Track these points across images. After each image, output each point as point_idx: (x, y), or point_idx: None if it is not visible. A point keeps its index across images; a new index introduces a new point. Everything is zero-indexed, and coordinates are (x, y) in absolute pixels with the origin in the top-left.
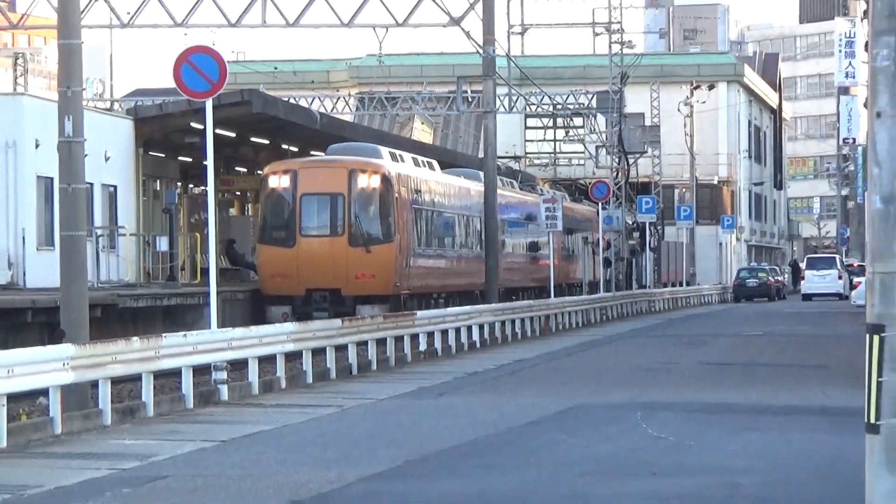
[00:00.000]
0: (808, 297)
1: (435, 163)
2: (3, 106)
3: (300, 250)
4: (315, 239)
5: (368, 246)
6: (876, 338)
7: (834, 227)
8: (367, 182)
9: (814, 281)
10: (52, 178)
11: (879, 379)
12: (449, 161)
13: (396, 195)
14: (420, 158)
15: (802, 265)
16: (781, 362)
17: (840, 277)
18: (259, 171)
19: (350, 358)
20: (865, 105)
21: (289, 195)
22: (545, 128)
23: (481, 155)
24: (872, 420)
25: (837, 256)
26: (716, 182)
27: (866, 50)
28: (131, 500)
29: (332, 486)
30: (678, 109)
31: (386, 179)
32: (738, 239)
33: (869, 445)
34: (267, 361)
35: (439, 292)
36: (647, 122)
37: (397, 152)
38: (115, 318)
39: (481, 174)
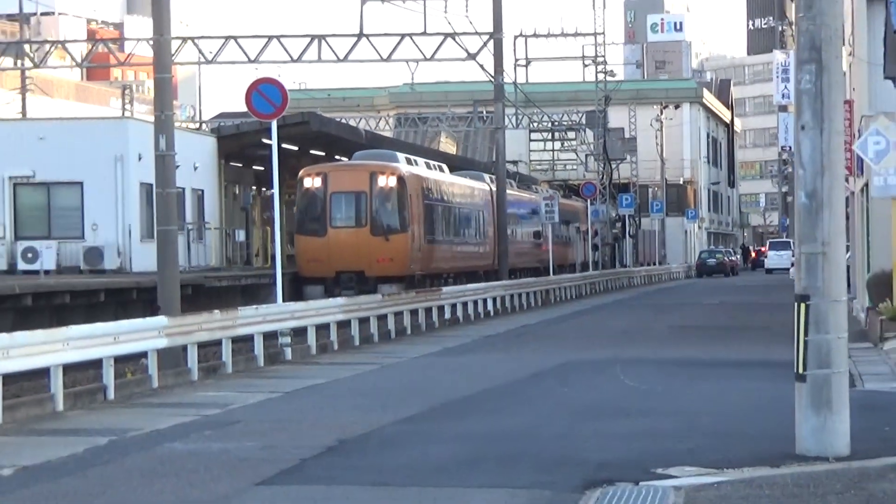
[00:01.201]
0: (769, 270)
1: (445, 166)
2: (113, 128)
3: (330, 239)
4: (342, 230)
5: (387, 235)
6: (802, 305)
7: (776, 217)
8: (386, 182)
9: (774, 259)
10: (151, 185)
11: (805, 338)
12: (467, 166)
13: (410, 192)
14: (432, 162)
15: (764, 248)
16: (733, 325)
17: (793, 255)
18: None
19: (389, 325)
20: None
21: (320, 193)
22: (545, 140)
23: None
24: (800, 371)
25: (791, 241)
26: (681, 182)
27: None
28: (212, 440)
29: (371, 427)
30: (650, 125)
31: (401, 179)
32: (699, 227)
33: (798, 391)
34: (322, 329)
35: (447, 273)
36: (626, 135)
37: (412, 157)
38: (202, 295)
39: (484, 175)
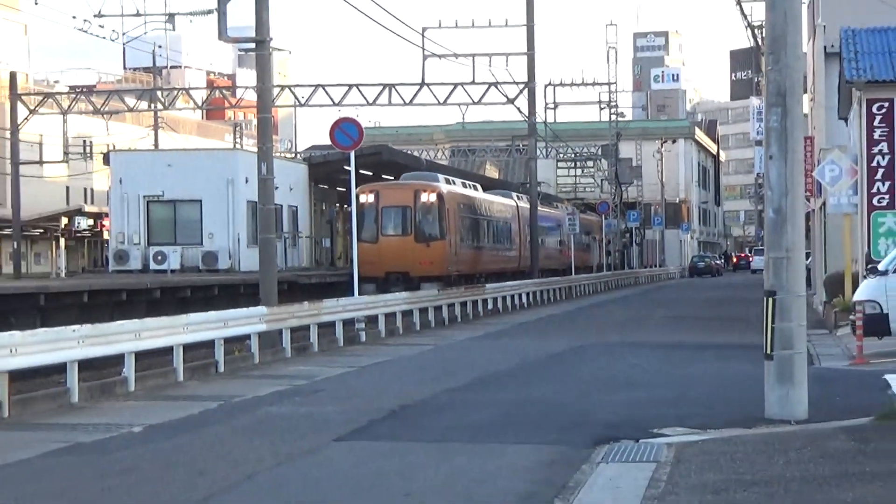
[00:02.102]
0: (754, 271)
1: (479, 185)
2: (226, 157)
3: (381, 245)
4: (391, 237)
5: (428, 242)
6: (770, 299)
7: (753, 229)
8: (427, 198)
9: (758, 261)
10: (255, 202)
11: (773, 325)
12: (499, 186)
13: (448, 206)
14: (468, 182)
15: (743, 254)
16: (717, 316)
17: None
18: None
19: (444, 314)
20: None
21: (373, 207)
22: (568, 167)
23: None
24: (769, 352)
25: None
26: (677, 201)
27: None
28: (300, 405)
29: (427, 395)
30: (653, 156)
31: (440, 196)
32: (691, 237)
33: (766, 368)
34: (390, 316)
35: (479, 273)
36: (634, 164)
37: (451, 178)
38: (295, 290)
39: (512, 193)
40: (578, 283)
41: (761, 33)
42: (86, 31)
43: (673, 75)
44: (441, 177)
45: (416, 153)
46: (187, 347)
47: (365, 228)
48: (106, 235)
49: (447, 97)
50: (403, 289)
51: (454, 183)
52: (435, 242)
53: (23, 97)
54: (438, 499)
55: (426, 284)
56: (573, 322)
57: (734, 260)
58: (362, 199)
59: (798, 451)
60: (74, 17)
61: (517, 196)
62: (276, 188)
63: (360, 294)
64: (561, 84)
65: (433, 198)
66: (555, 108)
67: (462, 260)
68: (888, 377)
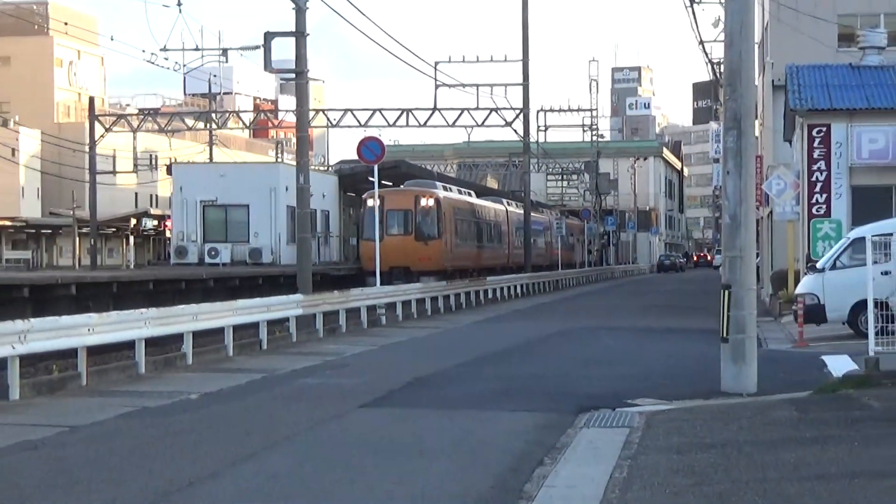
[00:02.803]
0: (716, 267)
1: (473, 192)
2: (269, 169)
3: (385, 243)
4: (395, 236)
5: (427, 241)
6: (726, 292)
7: (710, 233)
8: (426, 202)
9: (718, 259)
10: (293, 207)
11: (728, 313)
12: (493, 193)
13: (444, 210)
14: (463, 189)
15: (703, 253)
16: (681, 305)
17: None
18: None
19: (451, 302)
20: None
21: (379, 210)
22: (557, 180)
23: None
24: (724, 335)
25: None
26: (647, 209)
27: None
28: (330, 377)
29: (436, 369)
30: (627, 171)
31: (437, 200)
32: (659, 239)
33: (722, 349)
34: (406, 303)
35: (472, 268)
36: (611, 177)
37: (448, 185)
38: (327, 281)
39: (503, 199)
40: (564, 277)
41: (720, 69)
42: (153, 63)
43: (644, 103)
44: (439, 184)
45: (428, 167)
46: (236, 328)
47: (372, 228)
48: (168, 234)
49: (455, 120)
50: (404, 281)
51: (451, 190)
52: (432, 241)
53: (99, 118)
54: (448, 457)
55: (424, 278)
56: (559, 309)
57: (695, 258)
58: (370, 202)
59: (749, 419)
60: (144, 51)
61: (507, 202)
62: (311, 195)
63: (367, 286)
64: (551, 110)
65: (431, 202)
66: (545, 130)
67: (457, 256)
68: (824, 357)
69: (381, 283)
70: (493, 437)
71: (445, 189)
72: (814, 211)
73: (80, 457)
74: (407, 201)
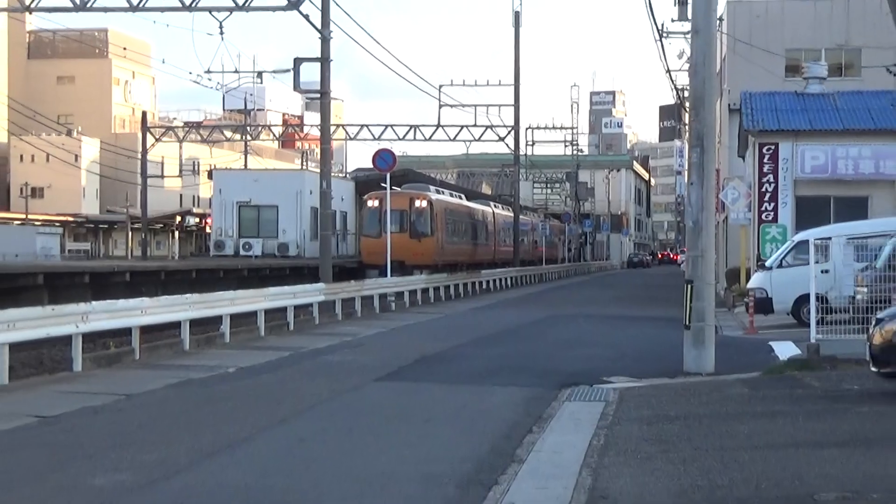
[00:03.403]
0: (680, 264)
1: (464, 196)
2: (296, 175)
3: (383, 240)
4: (393, 234)
5: (420, 238)
6: (689, 286)
7: (673, 235)
8: (419, 203)
9: (683, 257)
10: (316, 208)
11: (690, 304)
12: (482, 197)
13: (436, 210)
14: (454, 193)
15: (666, 252)
16: (648, 296)
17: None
18: None
19: (451, 292)
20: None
21: (378, 210)
22: (542, 187)
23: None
24: (687, 323)
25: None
26: (619, 213)
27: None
28: (348, 354)
29: (440, 349)
30: (603, 180)
31: (430, 202)
32: (629, 239)
33: (685, 335)
34: (412, 292)
35: (461, 263)
36: (589, 186)
37: (440, 189)
38: (345, 272)
39: (490, 202)
40: (547, 271)
41: (684, 94)
42: (198, 83)
43: (618, 123)
44: (432, 188)
45: (432, 175)
46: (267, 311)
47: (371, 226)
48: (208, 230)
49: (456, 135)
50: (400, 274)
51: (442, 193)
52: (425, 238)
53: (150, 129)
54: (450, 425)
55: (417, 271)
56: (544, 299)
57: (660, 256)
58: (370, 203)
59: (708, 395)
60: (190, 73)
61: (494, 204)
62: (332, 198)
63: (367, 277)
64: (537, 127)
65: (424, 203)
66: (532, 145)
67: (447, 252)
68: (771, 343)
69: (380, 275)
70: (488, 408)
71: (438, 192)
72: (763, 217)
73: (134, 420)
74: (403, 202)
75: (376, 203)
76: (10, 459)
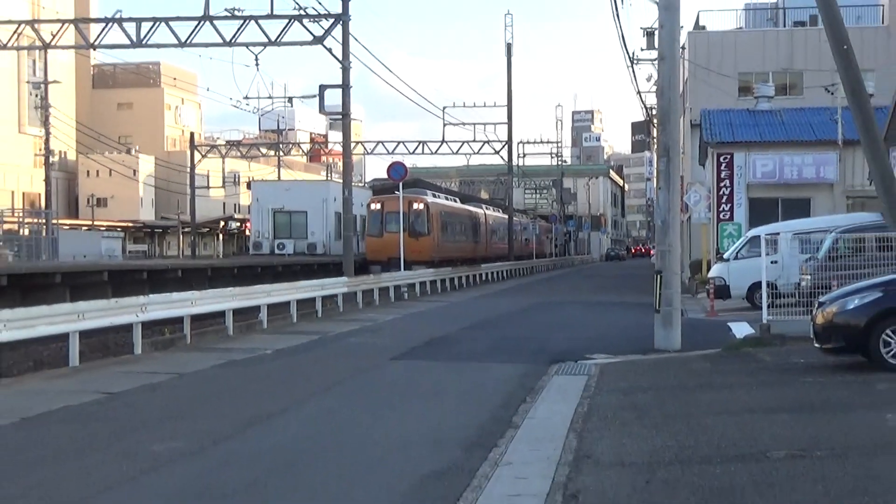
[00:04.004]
0: (650, 258)
1: (458, 199)
2: (322, 185)
3: (385, 239)
4: (392, 233)
5: (418, 237)
6: (658, 276)
7: (644, 232)
8: (417, 206)
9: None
10: (340, 213)
11: (660, 291)
12: (476, 201)
13: (432, 212)
14: (450, 196)
15: (639, 247)
16: (623, 286)
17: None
18: None
19: (456, 283)
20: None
21: (380, 212)
22: (532, 193)
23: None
24: (657, 308)
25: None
26: (598, 214)
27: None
28: (368, 337)
29: (445, 332)
30: (584, 186)
31: (426, 204)
32: (606, 237)
33: (656, 318)
34: (423, 284)
35: (455, 259)
36: (572, 191)
37: (437, 193)
38: (364, 268)
39: (482, 205)
40: (537, 264)
41: (652, 112)
42: (237, 107)
43: (596, 137)
44: (429, 192)
45: (437, 183)
46: (298, 302)
47: (374, 227)
48: (247, 232)
49: (458, 149)
50: (401, 271)
51: (439, 197)
52: (423, 237)
53: (197, 148)
54: (456, 396)
55: (416, 266)
56: (534, 288)
57: (633, 251)
58: (372, 206)
59: (675, 369)
60: (230, 99)
61: (485, 207)
62: (353, 204)
63: (371, 272)
64: (528, 142)
65: (421, 206)
66: (523, 157)
67: (443, 250)
68: (729, 324)
69: (382, 270)
70: (488, 382)
71: (435, 196)
72: (721, 216)
73: (186, 395)
74: (402, 205)
75: (378, 206)
76: (81, 430)
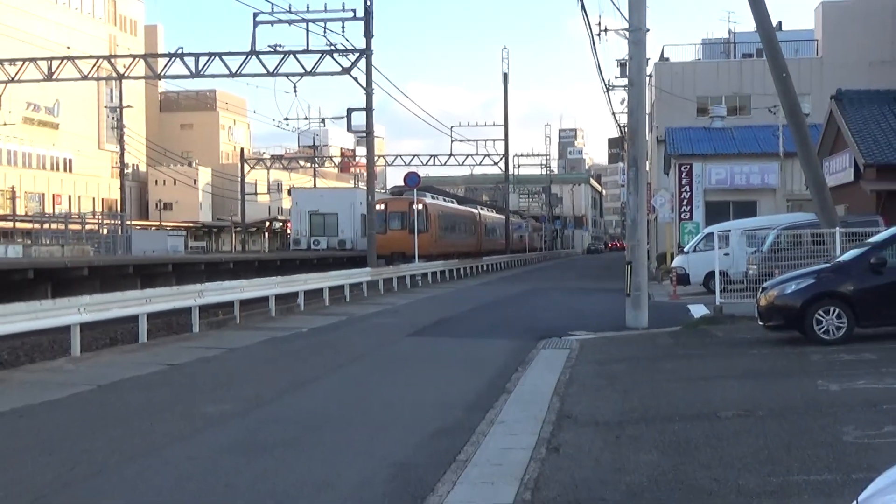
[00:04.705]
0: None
1: (455, 200)
2: (350, 191)
3: (388, 236)
4: (395, 231)
5: (419, 234)
6: (629, 266)
7: (620, 230)
8: (417, 207)
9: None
10: (364, 214)
11: (630, 279)
12: (474, 203)
13: (430, 212)
14: (448, 198)
15: (615, 242)
16: (600, 275)
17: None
18: None
19: (460, 273)
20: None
21: (383, 212)
22: (527, 197)
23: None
24: (628, 293)
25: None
26: (580, 215)
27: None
28: (388, 318)
29: (451, 314)
30: (569, 192)
31: (425, 205)
32: (588, 234)
33: (627, 301)
34: (433, 273)
35: (451, 254)
36: (559, 196)
37: (436, 195)
38: (383, 260)
39: (477, 205)
40: (529, 257)
41: (624, 130)
42: (279, 127)
43: (579, 151)
44: (428, 195)
45: (447, 189)
46: (330, 288)
47: (378, 225)
48: (288, 231)
49: (463, 161)
50: (403, 262)
51: (437, 198)
52: (422, 234)
53: (246, 161)
54: (459, 367)
55: (414, 259)
56: (526, 277)
57: (610, 246)
58: (378, 207)
59: (643, 343)
60: (273, 120)
61: (479, 207)
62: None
63: (376, 265)
64: (522, 154)
65: (420, 206)
66: (518, 167)
67: (440, 245)
68: (689, 306)
69: (386, 263)
70: (486, 355)
71: (433, 198)
72: (682, 216)
73: (235, 366)
74: (403, 206)
75: (382, 207)
76: (149, 394)
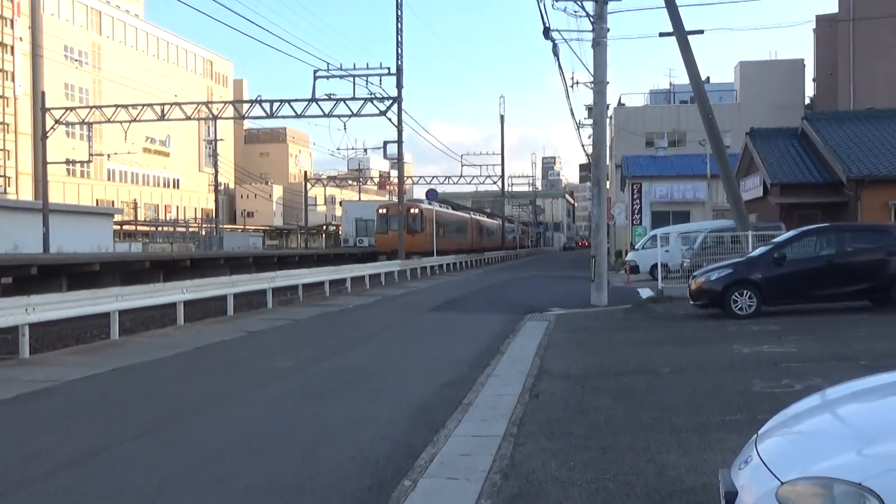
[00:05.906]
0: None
1: (450, 206)
2: (372, 205)
3: (390, 235)
4: (395, 231)
5: (415, 234)
6: (593, 258)
7: (589, 232)
8: (414, 211)
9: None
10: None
11: (594, 268)
12: (468, 209)
13: (426, 216)
14: (444, 205)
15: (584, 241)
16: (572, 266)
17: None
18: None
19: (460, 265)
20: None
21: (385, 216)
22: (518, 208)
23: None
24: (591, 279)
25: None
26: (558, 221)
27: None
28: (413, 297)
29: (457, 295)
30: (549, 204)
31: (421, 210)
32: (564, 235)
33: (591, 285)
34: (438, 266)
35: (447, 251)
36: (542, 208)
37: (433, 202)
38: (374, 257)
39: (470, 210)
40: (520, 253)
41: (591, 157)
42: (333, 155)
43: (557, 173)
44: (426, 200)
45: (458, 202)
46: (370, 276)
47: (381, 227)
48: (340, 233)
49: (470, 181)
50: (405, 258)
51: (434, 204)
52: (418, 234)
53: (309, 180)
54: (465, 335)
55: (414, 256)
56: (517, 268)
57: (580, 244)
58: (380, 211)
59: (603, 317)
60: (328, 150)
61: (473, 212)
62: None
63: (379, 260)
64: (514, 176)
65: (417, 211)
66: (511, 186)
67: (438, 244)
68: (638, 290)
69: (387, 259)
70: (486, 326)
71: (430, 204)
72: (634, 222)
73: (298, 333)
74: (403, 210)
75: (384, 211)
76: (232, 355)
